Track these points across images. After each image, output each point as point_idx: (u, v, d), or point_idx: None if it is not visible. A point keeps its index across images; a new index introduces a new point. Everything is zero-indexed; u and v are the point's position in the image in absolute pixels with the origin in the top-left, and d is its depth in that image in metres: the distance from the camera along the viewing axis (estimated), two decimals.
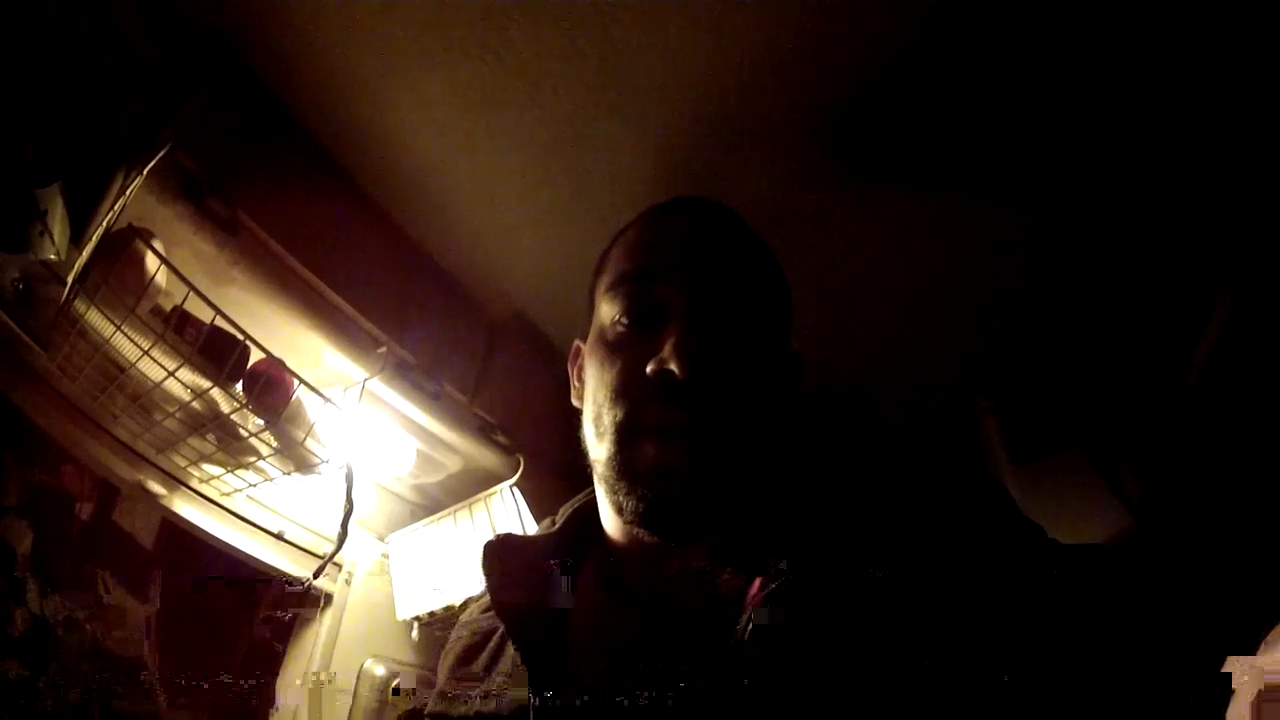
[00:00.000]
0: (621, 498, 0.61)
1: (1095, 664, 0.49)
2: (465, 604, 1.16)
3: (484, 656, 0.72)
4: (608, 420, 0.63)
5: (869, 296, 1.37)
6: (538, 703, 0.60)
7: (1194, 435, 1.28)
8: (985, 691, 0.50)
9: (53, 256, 0.91)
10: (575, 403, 0.74)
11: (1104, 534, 1.41)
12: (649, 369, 0.60)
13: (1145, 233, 1.19)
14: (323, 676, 1.27)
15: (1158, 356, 1.34)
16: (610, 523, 0.70)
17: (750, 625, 0.54)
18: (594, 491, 0.74)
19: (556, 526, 0.77)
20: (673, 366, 0.59)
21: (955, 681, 0.50)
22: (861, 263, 1.29)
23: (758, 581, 0.57)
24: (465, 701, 0.69)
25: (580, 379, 0.74)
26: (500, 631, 0.71)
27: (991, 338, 1.45)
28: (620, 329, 0.66)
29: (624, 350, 0.64)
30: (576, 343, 0.78)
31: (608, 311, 0.67)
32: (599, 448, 0.64)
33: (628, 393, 0.62)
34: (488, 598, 0.72)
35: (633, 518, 0.61)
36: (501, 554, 0.71)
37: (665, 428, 0.60)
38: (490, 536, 0.74)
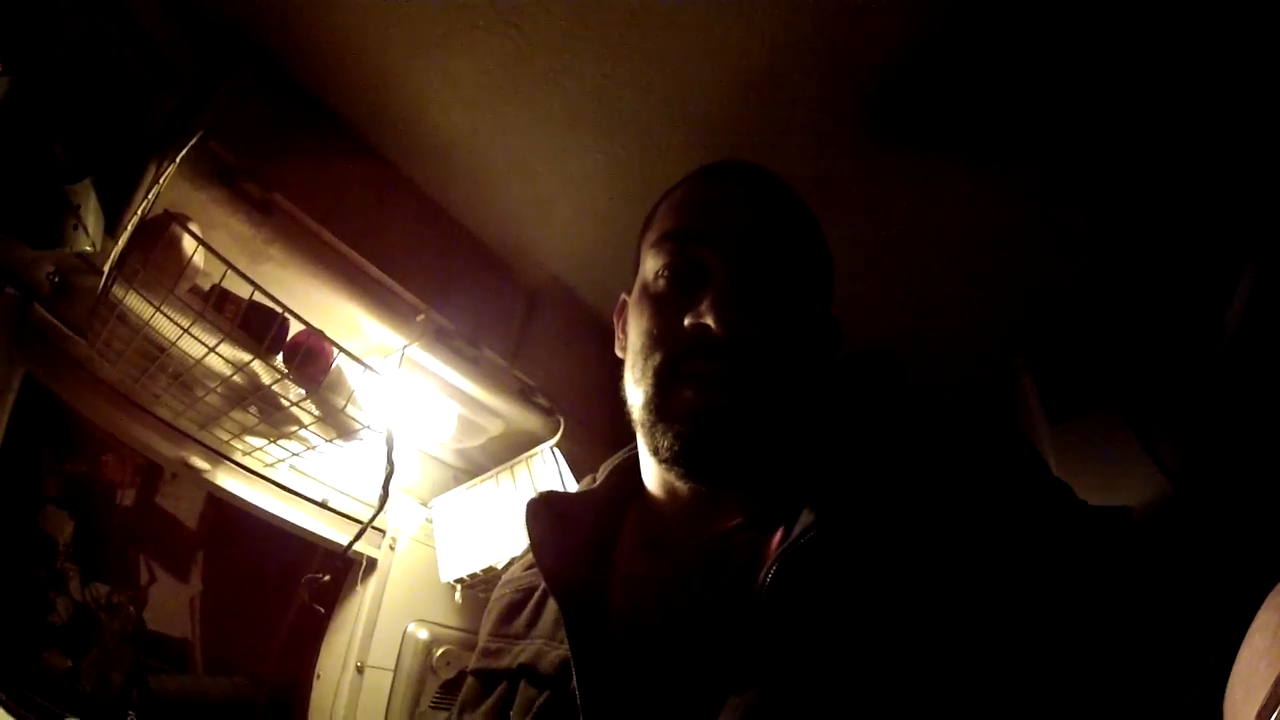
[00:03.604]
0: (658, 438, 0.63)
1: (1115, 623, 0.50)
2: (508, 563, 1.18)
3: (527, 612, 0.73)
4: (647, 365, 0.65)
5: (908, 258, 1.36)
6: (578, 656, 0.62)
7: (1225, 401, 1.27)
8: (999, 649, 0.50)
9: (88, 249, 0.93)
10: (619, 353, 0.76)
11: (1140, 494, 1.40)
12: (687, 322, 0.63)
13: (1178, 197, 1.18)
14: (360, 663, 1.29)
15: (1191, 320, 1.33)
16: (649, 475, 0.72)
17: (769, 579, 0.55)
18: (635, 448, 0.75)
19: (598, 484, 0.78)
20: (709, 321, 0.61)
21: (969, 639, 0.50)
22: (901, 226, 1.28)
23: (777, 535, 0.59)
24: (508, 655, 0.71)
25: (624, 330, 0.76)
26: (542, 587, 0.73)
27: (1028, 298, 1.44)
28: (662, 284, 0.67)
29: (665, 303, 0.66)
30: (623, 296, 0.80)
31: (651, 266, 0.69)
32: (637, 392, 0.66)
33: (666, 341, 0.64)
34: (530, 555, 0.74)
35: (668, 455, 0.62)
36: (544, 511, 0.72)
37: (702, 374, 0.62)
38: (532, 495, 0.75)
